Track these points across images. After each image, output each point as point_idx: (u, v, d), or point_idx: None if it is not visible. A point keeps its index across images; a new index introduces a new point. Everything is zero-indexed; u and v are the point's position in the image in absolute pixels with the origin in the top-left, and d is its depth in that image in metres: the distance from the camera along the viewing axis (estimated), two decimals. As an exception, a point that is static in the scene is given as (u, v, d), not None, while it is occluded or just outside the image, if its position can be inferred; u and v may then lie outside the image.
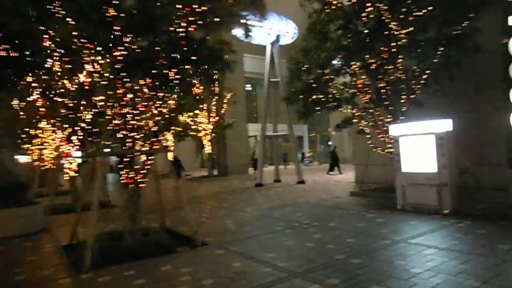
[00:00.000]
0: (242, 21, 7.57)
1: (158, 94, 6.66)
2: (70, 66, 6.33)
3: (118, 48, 5.89)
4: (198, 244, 6.54)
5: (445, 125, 8.17)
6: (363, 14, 10.09)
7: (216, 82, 13.90)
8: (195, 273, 5.00)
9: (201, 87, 21.65)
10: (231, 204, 11.57)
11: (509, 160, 7.06)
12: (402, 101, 10.94)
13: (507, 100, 7.01)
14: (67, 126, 7.95)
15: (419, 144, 8.56)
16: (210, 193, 15.08)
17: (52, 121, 10.22)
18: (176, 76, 6.52)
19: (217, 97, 22.73)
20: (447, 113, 9.59)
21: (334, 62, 11.46)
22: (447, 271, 4.45)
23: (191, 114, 22.71)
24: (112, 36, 5.73)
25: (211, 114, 23.12)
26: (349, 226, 7.40)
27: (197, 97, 21.75)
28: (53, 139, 12.09)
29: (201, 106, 22.51)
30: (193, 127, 23.31)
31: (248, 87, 37.21)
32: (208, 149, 23.75)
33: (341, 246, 5.93)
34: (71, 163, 12.03)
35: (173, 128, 20.19)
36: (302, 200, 11.48)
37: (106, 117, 6.38)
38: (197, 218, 9.33)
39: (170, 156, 29.29)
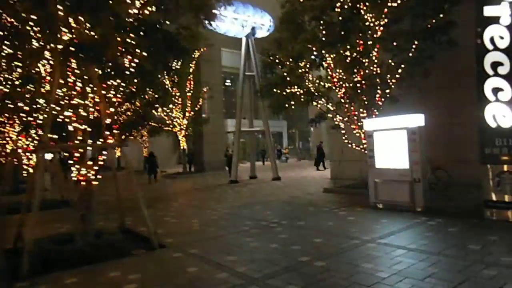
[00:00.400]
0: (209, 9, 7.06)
1: (111, 82, 6.09)
2: (11, 50, 5.69)
3: (63, 30, 5.30)
4: (156, 246, 6.05)
5: (417, 119, 7.92)
6: (337, 4, 9.74)
7: (175, 71, 13.17)
8: (144, 281, 4.52)
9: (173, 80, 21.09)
10: (201, 202, 11.09)
11: (482, 156, 6.85)
12: (377, 96, 10.70)
13: (481, 95, 6.79)
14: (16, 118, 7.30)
15: (392, 140, 8.29)
16: (182, 191, 14.54)
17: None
18: (131, 64, 5.98)
19: (191, 92, 22.05)
20: (422, 109, 9.37)
21: (309, 55, 11.08)
22: (415, 275, 4.13)
23: (165, 108, 22.06)
24: (54, 17, 5.14)
25: (186, 109, 22.46)
26: (318, 225, 7.05)
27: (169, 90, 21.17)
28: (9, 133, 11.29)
29: (175, 100, 21.89)
30: (167, 122, 22.61)
31: (228, 82, 36.64)
32: (183, 145, 23.08)
33: (307, 247, 5.56)
34: (29, 158, 11.26)
35: (147, 122, 19.46)
36: (274, 198, 11.11)
37: (52, 108, 5.77)
38: (161, 217, 8.83)
39: (145, 152, 28.54)
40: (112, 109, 6.26)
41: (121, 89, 6.25)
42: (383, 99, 10.72)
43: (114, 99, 6.23)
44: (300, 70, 11.30)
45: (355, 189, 11.10)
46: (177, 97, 21.81)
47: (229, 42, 24.89)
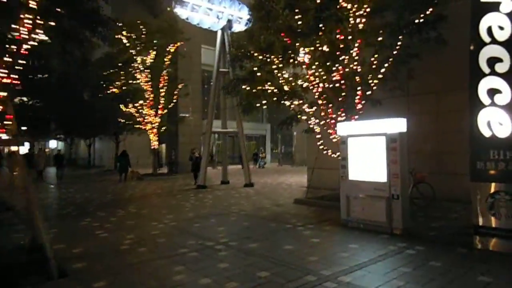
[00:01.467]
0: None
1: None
2: None
3: None
4: (54, 276, 4.64)
5: (399, 125, 6.67)
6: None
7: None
8: None
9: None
10: (152, 210, 9.66)
11: (472, 171, 5.63)
12: (357, 98, 9.48)
13: (474, 97, 5.60)
14: None
15: (368, 147, 7.05)
16: (140, 195, 13.06)
17: None
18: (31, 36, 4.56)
19: (165, 88, 20.58)
20: (406, 114, 8.21)
21: (281, 48, 9.77)
22: None
23: (136, 105, 20.59)
24: None
25: (158, 106, 20.96)
26: (272, 250, 5.72)
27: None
28: None
29: (146, 96, 20.42)
30: (138, 119, 21.10)
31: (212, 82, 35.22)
32: (154, 144, 21.56)
33: (246, 285, 4.22)
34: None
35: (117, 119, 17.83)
36: (237, 208, 9.75)
37: None
38: (94, 229, 7.40)
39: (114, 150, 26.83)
40: (3, 94, 4.80)
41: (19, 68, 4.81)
42: (363, 102, 9.51)
43: (6, 80, 4.77)
44: (272, 66, 10.00)
45: (329, 201, 9.83)
46: (148, 93, 20.31)
47: (211, 39, 23.60)
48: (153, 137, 21.22)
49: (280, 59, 9.64)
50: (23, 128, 52.57)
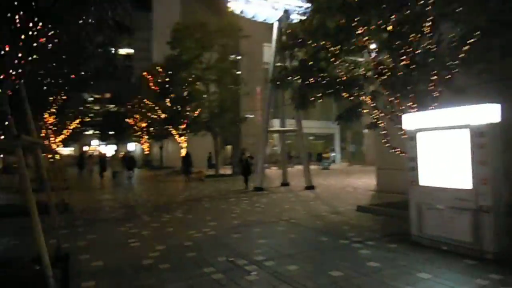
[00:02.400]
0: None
1: None
2: None
3: None
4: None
5: (488, 113, 4.99)
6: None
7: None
8: None
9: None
10: (197, 216, 8.98)
11: None
12: (431, 84, 7.75)
13: None
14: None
15: (446, 145, 5.46)
16: (193, 198, 12.60)
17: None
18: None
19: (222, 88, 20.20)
20: (500, 100, 6.36)
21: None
22: None
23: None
24: None
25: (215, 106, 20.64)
26: (315, 275, 4.54)
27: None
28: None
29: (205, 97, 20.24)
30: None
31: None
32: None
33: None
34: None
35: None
36: (289, 216, 8.63)
37: None
38: (130, 235, 6.90)
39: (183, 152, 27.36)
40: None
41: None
42: (439, 90, 7.75)
43: None
44: (328, 53, 8.66)
45: (398, 210, 8.22)
46: (209, 94, 20.11)
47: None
48: (212, 138, 20.97)
49: (335, 44, 8.28)
50: (111, 132, 56.90)
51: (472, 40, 7.28)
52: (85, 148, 61.10)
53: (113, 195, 14.33)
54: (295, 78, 9.06)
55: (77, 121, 23.73)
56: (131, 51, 77.71)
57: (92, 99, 75.77)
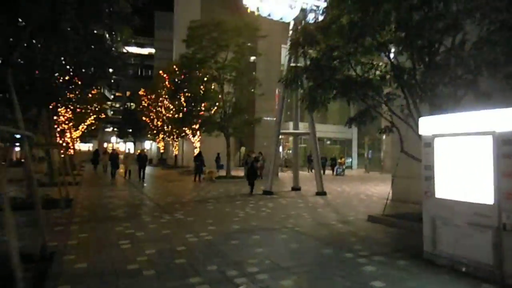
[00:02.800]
0: None
1: None
2: None
3: None
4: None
5: (515, 118, 4.39)
6: None
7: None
8: None
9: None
10: (198, 218, 8.59)
11: None
12: (453, 87, 7.14)
13: None
14: None
15: (465, 153, 4.88)
16: (199, 199, 12.25)
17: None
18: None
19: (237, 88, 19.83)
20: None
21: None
22: None
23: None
24: None
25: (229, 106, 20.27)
26: (309, 294, 4.05)
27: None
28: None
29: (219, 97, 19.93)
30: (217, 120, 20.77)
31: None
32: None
33: None
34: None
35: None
36: (294, 223, 8.14)
37: None
38: (122, 237, 6.56)
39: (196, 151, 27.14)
40: None
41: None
42: (461, 94, 7.14)
43: None
44: (341, 52, 8.14)
45: (412, 222, 7.60)
46: (223, 94, 19.78)
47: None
48: (225, 138, 20.62)
49: (349, 42, 7.76)
50: (129, 130, 57.57)
51: (498, 39, 6.65)
52: (105, 145, 62.16)
53: (120, 192, 14.15)
54: (306, 78, 8.56)
55: (93, 117, 23.86)
56: (152, 50, 78.58)
57: (112, 96, 77.14)
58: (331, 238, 6.79)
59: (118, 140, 65.15)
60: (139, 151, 24.98)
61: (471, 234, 4.68)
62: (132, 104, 53.01)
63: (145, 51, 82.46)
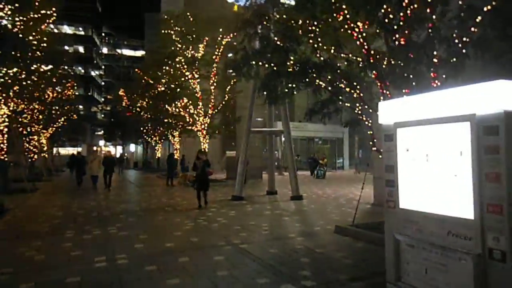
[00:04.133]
0: None
1: None
2: None
3: None
4: None
5: (502, 95, 2.97)
6: None
7: None
8: None
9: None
10: (131, 233, 7.13)
11: None
12: (435, 59, 5.78)
13: None
14: None
15: (437, 146, 3.48)
16: (157, 206, 10.81)
17: None
18: None
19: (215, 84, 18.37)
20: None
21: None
22: None
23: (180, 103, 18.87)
24: None
25: (209, 105, 18.84)
26: None
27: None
28: None
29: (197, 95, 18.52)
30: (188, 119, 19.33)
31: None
32: (204, 147, 19.52)
33: None
34: None
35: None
36: (245, 238, 6.72)
37: None
38: (17, 259, 5.13)
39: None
40: None
41: None
42: (441, 77, 5.78)
43: None
44: (298, 31, 6.76)
45: (381, 234, 6.18)
46: (196, 91, 18.36)
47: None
48: (202, 139, 19.19)
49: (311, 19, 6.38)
50: (118, 133, 56.08)
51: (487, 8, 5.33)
52: (94, 148, 60.47)
53: (72, 201, 12.62)
54: (258, 62, 7.13)
55: (63, 118, 22.38)
56: (143, 52, 77.35)
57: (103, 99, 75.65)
58: (279, 259, 5.37)
59: (107, 143, 63.59)
60: (103, 153, 22.93)
61: (444, 262, 3.29)
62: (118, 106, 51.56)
63: (138, 53, 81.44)
